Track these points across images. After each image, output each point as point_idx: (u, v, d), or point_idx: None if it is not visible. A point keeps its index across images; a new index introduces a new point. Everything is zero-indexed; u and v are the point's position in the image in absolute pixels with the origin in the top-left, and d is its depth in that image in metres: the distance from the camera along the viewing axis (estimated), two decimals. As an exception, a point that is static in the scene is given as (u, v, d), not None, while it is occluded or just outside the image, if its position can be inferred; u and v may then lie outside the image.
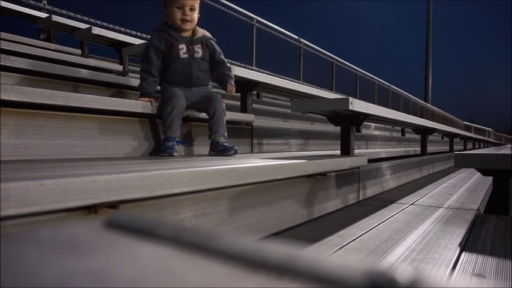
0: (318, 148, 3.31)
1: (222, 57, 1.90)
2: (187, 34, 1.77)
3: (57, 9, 4.09)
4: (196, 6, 1.75)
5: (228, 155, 1.64)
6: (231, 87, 1.87)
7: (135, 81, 2.68)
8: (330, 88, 9.77)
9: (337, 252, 1.10)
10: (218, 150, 1.67)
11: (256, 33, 7.47)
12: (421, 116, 13.80)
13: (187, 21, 1.72)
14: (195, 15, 1.75)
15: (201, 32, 1.81)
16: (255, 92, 3.98)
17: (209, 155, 1.71)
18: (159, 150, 1.68)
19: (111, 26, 4.62)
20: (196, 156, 1.68)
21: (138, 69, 4.46)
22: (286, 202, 1.46)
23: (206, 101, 1.75)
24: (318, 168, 1.53)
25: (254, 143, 2.42)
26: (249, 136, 2.39)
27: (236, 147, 1.69)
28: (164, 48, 1.73)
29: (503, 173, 1.66)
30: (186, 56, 1.74)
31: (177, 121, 1.63)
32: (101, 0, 4.86)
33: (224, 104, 1.78)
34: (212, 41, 1.85)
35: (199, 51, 1.78)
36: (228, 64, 1.94)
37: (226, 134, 1.73)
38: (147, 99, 1.66)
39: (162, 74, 1.76)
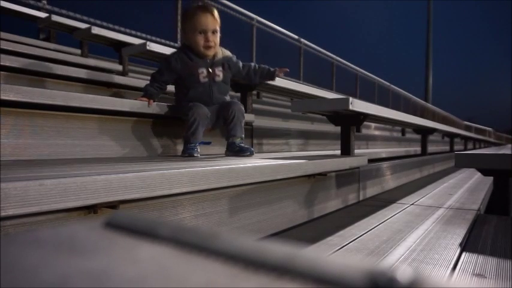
0: (318, 148, 3.31)
1: (246, 64, 1.86)
2: (208, 57, 1.71)
3: (56, 9, 4.09)
4: (218, 28, 1.68)
5: (244, 156, 1.64)
6: (279, 70, 1.85)
7: (135, 81, 2.68)
8: (330, 88, 9.77)
9: (338, 252, 1.10)
10: (234, 151, 1.66)
11: (256, 33, 7.47)
12: (422, 116, 13.80)
13: (211, 46, 1.66)
14: (218, 39, 1.68)
15: (221, 52, 1.75)
16: (255, 92, 3.98)
17: (225, 155, 1.71)
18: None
19: (110, 25, 4.62)
20: (204, 156, 1.68)
21: (138, 69, 4.46)
22: (286, 202, 1.46)
23: (224, 110, 1.71)
24: (318, 168, 1.53)
25: (254, 143, 2.42)
26: (249, 136, 2.39)
27: (252, 149, 1.69)
28: (180, 70, 1.68)
29: (504, 173, 1.66)
30: (206, 80, 1.69)
31: (200, 129, 1.63)
32: (101, 0, 4.87)
33: (243, 107, 1.76)
34: (233, 59, 1.80)
35: (220, 74, 1.72)
36: (254, 64, 1.92)
37: (243, 135, 1.72)
38: (146, 99, 1.65)
39: (182, 94, 1.73)
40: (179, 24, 5.75)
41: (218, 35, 1.69)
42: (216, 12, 1.68)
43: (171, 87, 2.94)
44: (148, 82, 1.75)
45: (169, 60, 1.69)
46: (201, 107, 1.63)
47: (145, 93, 1.69)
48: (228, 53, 1.80)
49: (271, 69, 1.88)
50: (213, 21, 1.66)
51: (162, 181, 0.84)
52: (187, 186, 0.91)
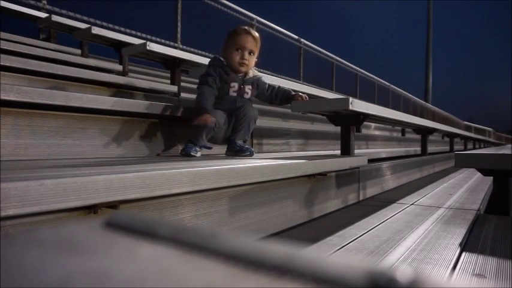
0: (318, 148, 3.31)
1: (271, 85, 1.88)
2: (240, 74, 1.74)
3: (57, 9, 4.09)
4: (256, 51, 1.73)
5: (244, 156, 1.65)
6: (299, 95, 1.86)
7: (135, 81, 2.68)
8: (330, 88, 9.77)
9: (338, 252, 1.10)
10: (234, 151, 1.68)
11: (256, 33, 7.45)
12: (422, 116, 13.81)
13: (244, 64, 1.70)
14: (253, 61, 1.74)
15: (252, 73, 1.78)
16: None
17: (226, 155, 1.73)
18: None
19: (111, 26, 4.62)
20: (204, 156, 1.68)
21: (138, 69, 4.44)
22: (286, 202, 1.46)
23: (238, 110, 1.72)
24: (318, 168, 1.53)
25: (254, 143, 2.42)
26: (249, 136, 2.39)
27: (252, 149, 1.70)
28: (218, 82, 1.69)
29: (504, 173, 1.66)
30: (235, 94, 1.72)
31: (208, 134, 1.64)
32: (101, 0, 4.87)
33: (257, 112, 1.77)
34: (262, 79, 1.83)
35: (249, 92, 1.76)
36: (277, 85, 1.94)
37: (247, 138, 1.74)
38: (209, 116, 1.57)
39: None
40: (179, 24, 5.76)
41: (254, 57, 1.74)
42: (258, 36, 1.74)
43: (166, 86, 2.94)
44: (202, 101, 1.65)
45: (211, 73, 1.69)
46: (220, 115, 1.65)
47: (205, 108, 1.60)
48: (258, 74, 1.83)
49: (292, 92, 1.89)
50: (253, 42, 1.71)
51: (162, 181, 0.84)
52: (187, 186, 0.91)
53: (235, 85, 1.72)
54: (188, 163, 1.14)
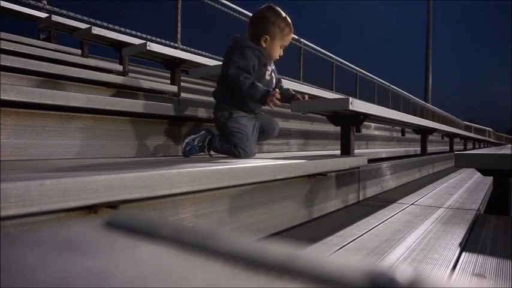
0: (318, 148, 3.31)
1: (277, 77, 1.90)
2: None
3: (57, 9, 4.09)
4: None
5: None
6: (300, 95, 1.85)
7: (135, 81, 2.68)
8: (330, 88, 9.77)
9: (337, 252, 1.10)
10: None
11: (256, 33, 7.44)
12: (421, 116, 13.81)
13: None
14: None
15: None
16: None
17: None
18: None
19: (111, 26, 4.62)
20: (204, 156, 1.68)
21: (138, 69, 4.43)
22: (286, 202, 1.46)
23: (268, 125, 1.80)
24: (318, 168, 1.53)
25: (254, 143, 2.42)
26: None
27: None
28: (256, 66, 1.64)
29: (504, 173, 1.66)
30: (269, 78, 1.71)
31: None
32: (101, 0, 4.87)
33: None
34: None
35: (274, 76, 1.77)
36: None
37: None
38: (275, 92, 1.56)
39: (236, 97, 1.66)
40: (179, 24, 5.76)
41: None
42: None
43: (165, 86, 2.93)
44: (255, 87, 1.58)
45: (252, 57, 1.61)
46: (251, 125, 1.68)
47: (266, 92, 1.57)
48: None
49: (293, 92, 1.88)
50: None
51: (162, 181, 0.84)
52: (187, 186, 0.91)
53: (269, 69, 1.71)
54: (188, 163, 1.14)
